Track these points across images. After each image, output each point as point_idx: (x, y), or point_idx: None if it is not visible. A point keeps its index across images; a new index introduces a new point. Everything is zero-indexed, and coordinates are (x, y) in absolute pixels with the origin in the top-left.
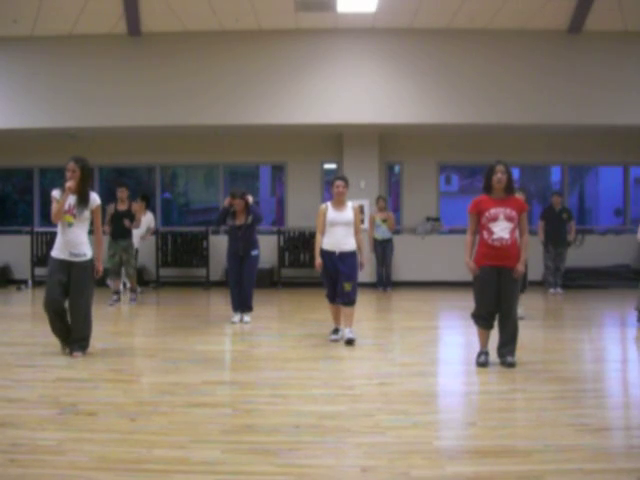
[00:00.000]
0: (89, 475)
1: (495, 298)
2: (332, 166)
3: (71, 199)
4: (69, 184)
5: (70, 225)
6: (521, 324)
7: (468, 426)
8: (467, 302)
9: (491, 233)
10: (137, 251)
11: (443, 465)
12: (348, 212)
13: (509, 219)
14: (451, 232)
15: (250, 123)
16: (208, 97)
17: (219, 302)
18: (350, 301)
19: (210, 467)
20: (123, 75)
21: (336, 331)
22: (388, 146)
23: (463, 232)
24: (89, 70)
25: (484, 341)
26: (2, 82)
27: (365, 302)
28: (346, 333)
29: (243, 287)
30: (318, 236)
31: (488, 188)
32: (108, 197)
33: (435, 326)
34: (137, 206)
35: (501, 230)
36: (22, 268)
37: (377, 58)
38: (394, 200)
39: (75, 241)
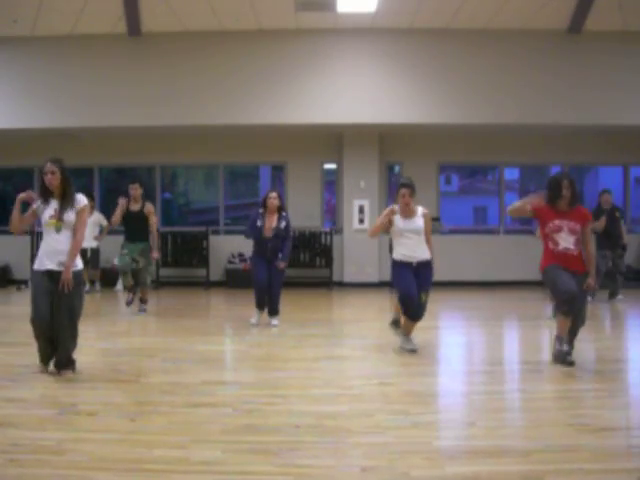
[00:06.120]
0: (89, 475)
1: (572, 280)
2: (332, 166)
3: (54, 203)
4: (26, 194)
5: (58, 231)
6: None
7: (468, 426)
8: (467, 302)
9: (556, 244)
10: (99, 252)
11: (443, 465)
12: (418, 220)
13: (572, 232)
14: (451, 232)
15: (250, 123)
16: (208, 97)
17: (219, 302)
18: (423, 313)
19: (210, 467)
20: (123, 75)
21: (397, 323)
22: (388, 146)
23: (463, 232)
24: (89, 70)
25: (564, 329)
26: (2, 82)
27: (366, 302)
28: (410, 343)
29: (271, 291)
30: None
31: (553, 200)
32: (108, 197)
33: (435, 326)
34: (150, 207)
35: (564, 241)
36: (22, 268)
37: (377, 58)
38: (394, 200)
39: (66, 249)
